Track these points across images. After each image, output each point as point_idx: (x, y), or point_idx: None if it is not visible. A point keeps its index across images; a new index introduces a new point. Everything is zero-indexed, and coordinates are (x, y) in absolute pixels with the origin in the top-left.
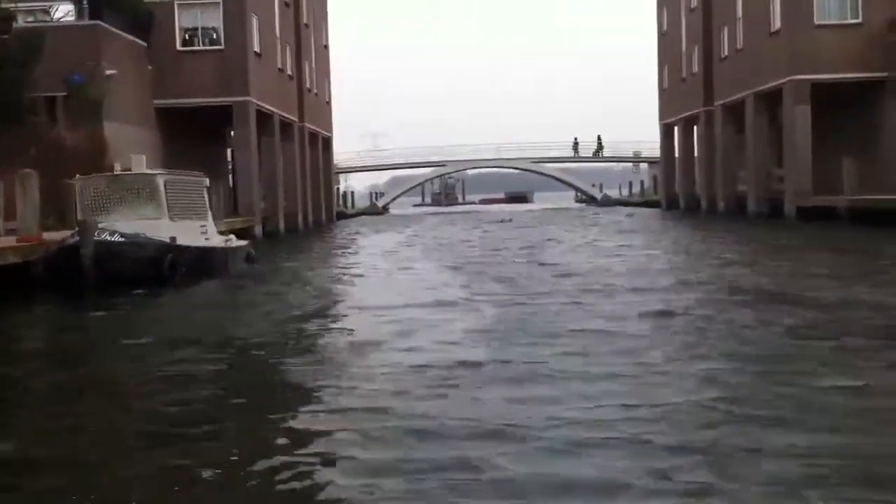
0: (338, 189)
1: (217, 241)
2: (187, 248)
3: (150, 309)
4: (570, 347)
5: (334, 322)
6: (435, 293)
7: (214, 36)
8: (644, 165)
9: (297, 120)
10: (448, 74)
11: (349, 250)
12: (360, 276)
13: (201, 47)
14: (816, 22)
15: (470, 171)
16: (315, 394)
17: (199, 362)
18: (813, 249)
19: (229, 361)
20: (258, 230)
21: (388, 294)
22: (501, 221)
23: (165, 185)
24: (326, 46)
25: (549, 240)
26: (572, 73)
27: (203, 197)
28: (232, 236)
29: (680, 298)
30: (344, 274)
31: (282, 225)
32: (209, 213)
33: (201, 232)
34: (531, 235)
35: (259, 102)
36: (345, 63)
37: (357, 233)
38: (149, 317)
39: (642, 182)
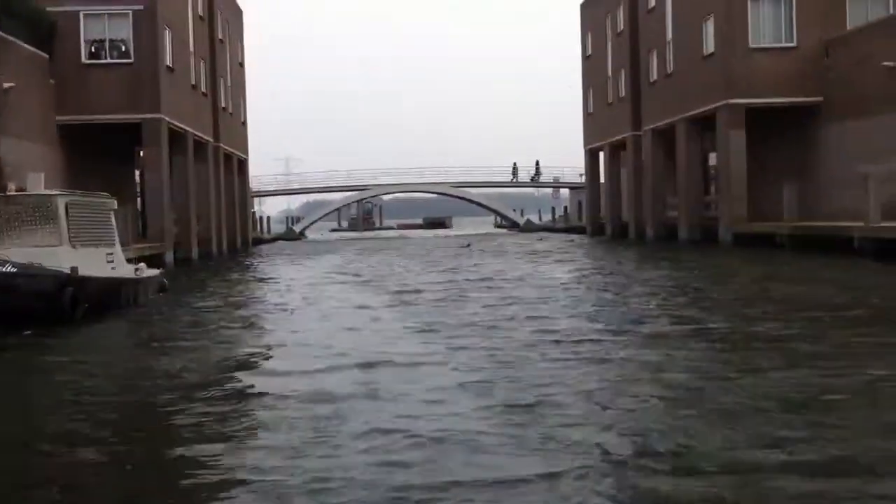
0: (253, 213)
1: (125, 270)
2: (90, 279)
3: (40, 354)
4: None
5: (251, 382)
6: (371, 342)
7: (123, 48)
8: (564, 191)
9: (211, 140)
10: (366, 97)
11: (269, 281)
12: (283, 312)
13: (109, 60)
14: (751, 45)
15: (386, 196)
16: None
17: (74, 434)
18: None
19: (117, 433)
20: (169, 257)
21: (314, 342)
22: (467, 246)
23: (66, 208)
24: (242, 64)
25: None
26: (492, 97)
27: (110, 221)
28: (142, 265)
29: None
30: (265, 312)
31: (195, 251)
32: (116, 239)
33: (107, 261)
34: (482, 263)
35: (171, 120)
36: (259, 83)
37: (275, 260)
38: (36, 365)
39: (565, 208)
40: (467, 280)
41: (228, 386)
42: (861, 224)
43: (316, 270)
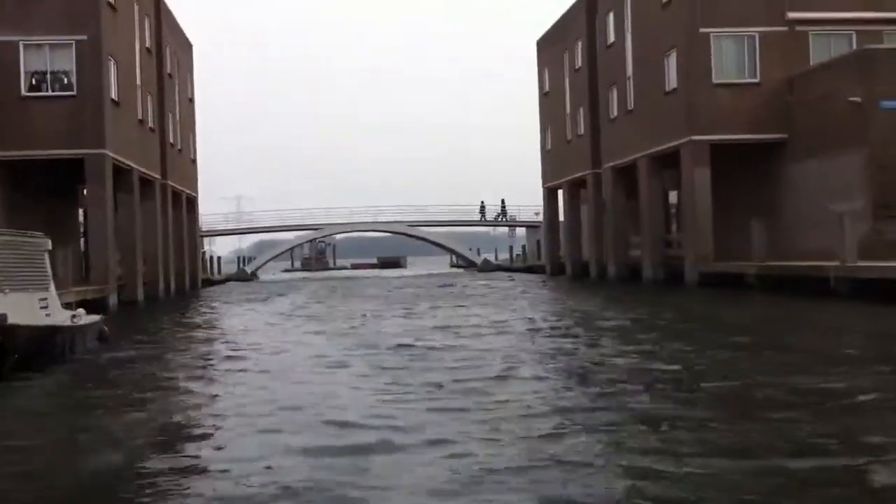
0: (203, 254)
1: (61, 317)
2: (20, 327)
3: None
4: None
5: (195, 454)
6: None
7: (66, 80)
8: (521, 230)
9: (159, 177)
10: (318, 136)
11: (218, 327)
12: (231, 365)
13: (50, 93)
14: (714, 80)
15: (340, 236)
16: None
17: None
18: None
19: None
20: (113, 300)
21: (267, 402)
22: (443, 286)
23: None
24: (192, 100)
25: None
26: (448, 137)
27: (43, 263)
28: (80, 311)
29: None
30: (212, 365)
31: (140, 293)
32: (51, 282)
33: (40, 307)
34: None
35: (116, 156)
36: (210, 119)
37: (226, 302)
38: None
39: (524, 247)
40: (432, 328)
41: (168, 460)
42: (836, 263)
43: (267, 315)
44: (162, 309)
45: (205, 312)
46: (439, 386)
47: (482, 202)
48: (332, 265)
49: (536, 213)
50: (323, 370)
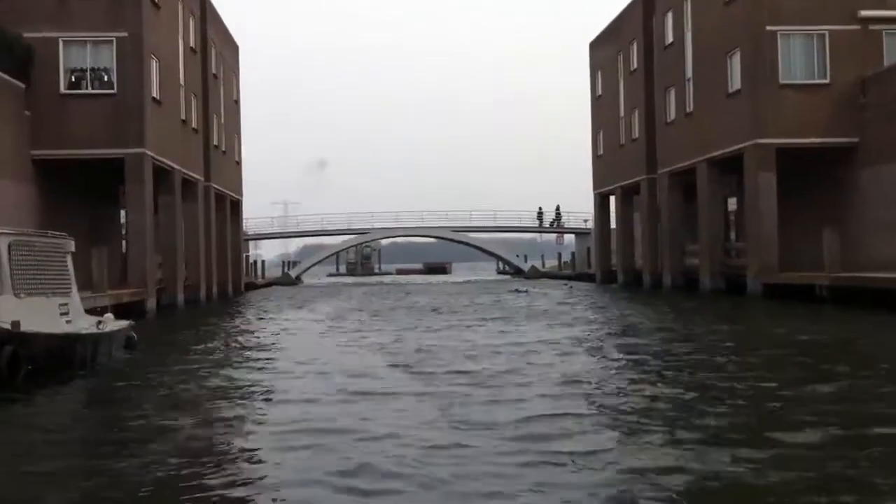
0: (247, 257)
1: (83, 323)
2: (36, 335)
3: None
4: None
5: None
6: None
7: (106, 78)
8: (570, 237)
9: (202, 179)
10: (368, 140)
11: (257, 335)
12: (268, 380)
13: (90, 91)
14: (781, 81)
15: (385, 241)
16: None
17: None
18: None
19: None
20: (151, 304)
21: (306, 432)
22: (516, 291)
23: (9, 249)
24: (237, 101)
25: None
26: (495, 140)
27: (65, 266)
28: (108, 316)
29: None
30: (248, 381)
31: (181, 297)
32: (74, 286)
33: (60, 313)
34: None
35: (157, 156)
36: (256, 121)
37: (267, 309)
38: None
39: (573, 254)
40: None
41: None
42: None
43: (310, 323)
44: (201, 314)
45: (243, 318)
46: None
47: (539, 208)
48: (377, 270)
49: (585, 220)
50: (362, 391)
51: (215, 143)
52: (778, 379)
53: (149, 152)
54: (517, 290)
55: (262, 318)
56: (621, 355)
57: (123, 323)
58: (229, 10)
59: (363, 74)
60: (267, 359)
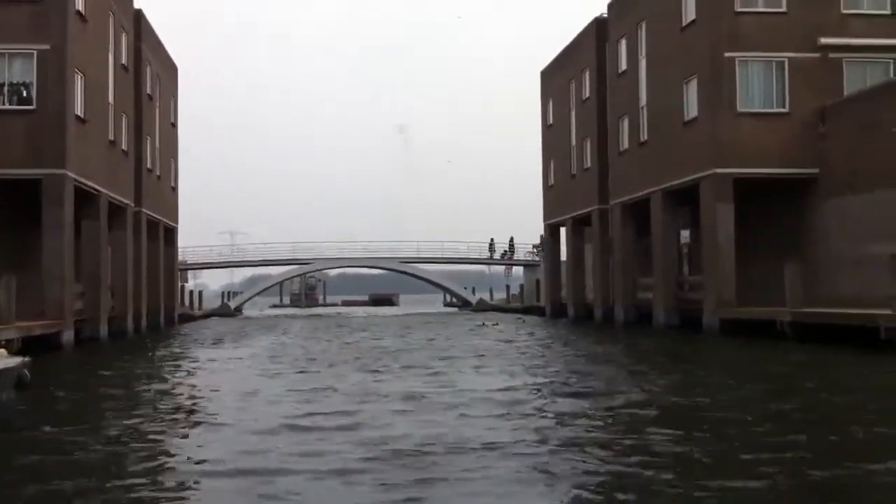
0: (183, 287)
1: None
2: None
3: None
4: None
5: None
6: None
7: (25, 94)
8: (518, 269)
9: (131, 203)
10: (310, 171)
11: (176, 373)
12: (174, 429)
13: (7, 106)
14: (739, 109)
15: (333, 272)
16: None
17: None
18: None
19: None
20: (68, 336)
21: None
22: (482, 325)
23: None
24: (174, 125)
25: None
26: (443, 172)
27: None
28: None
29: None
30: (149, 430)
31: (104, 329)
32: None
33: None
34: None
35: (79, 178)
36: (201, 151)
37: (198, 341)
38: None
39: (521, 286)
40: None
41: None
42: (888, 312)
43: (240, 362)
44: (122, 348)
45: (167, 352)
46: None
47: (491, 239)
48: (322, 301)
49: (534, 251)
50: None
51: (148, 166)
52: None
53: (70, 173)
54: (480, 325)
55: (189, 352)
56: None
57: (15, 360)
58: (177, 30)
59: (316, 103)
60: (172, 410)
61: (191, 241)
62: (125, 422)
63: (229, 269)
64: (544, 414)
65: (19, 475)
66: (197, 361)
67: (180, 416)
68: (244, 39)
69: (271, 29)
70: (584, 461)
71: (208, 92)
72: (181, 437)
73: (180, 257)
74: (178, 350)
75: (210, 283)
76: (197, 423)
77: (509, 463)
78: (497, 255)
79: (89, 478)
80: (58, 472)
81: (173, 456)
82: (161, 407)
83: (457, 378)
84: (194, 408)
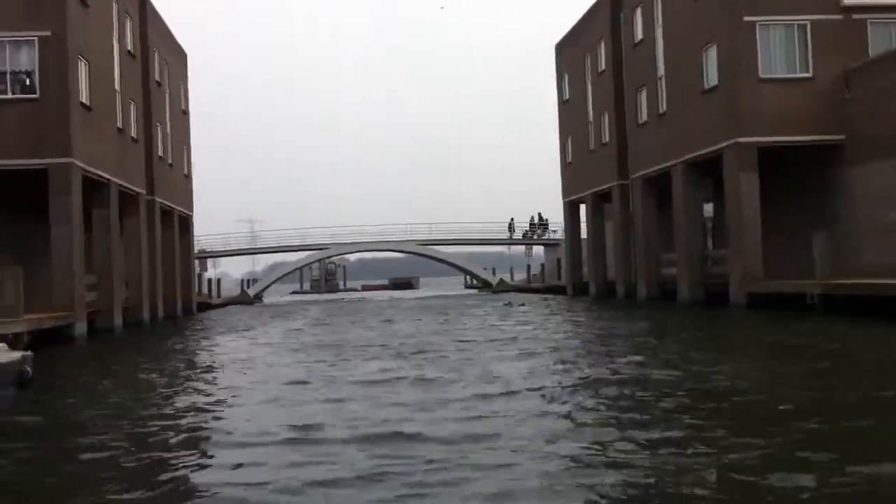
0: (200, 276)
1: None
2: None
3: None
4: None
5: None
6: None
7: (27, 82)
8: (538, 248)
9: (144, 192)
10: (330, 151)
11: (193, 367)
12: (181, 429)
13: (9, 95)
14: (761, 75)
15: (353, 256)
16: None
17: None
18: None
19: None
20: (81, 328)
21: None
22: (508, 304)
23: None
24: (186, 112)
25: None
26: (462, 153)
27: None
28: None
29: None
30: (157, 436)
31: (119, 320)
32: None
33: None
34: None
35: (86, 166)
36: (220, 138)
37: (216, 331)
38: None
39: (542, 265)
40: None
41: None
42: None
43: (259, 349)
44: (139, 339)
45: (184, 343)
46: None
47: (511, 219)
48: (342, 287)
49: (554, 231)
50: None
51: (160, 154)
52: None
53: (77, 162)
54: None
55: (205, 341)
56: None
57: (15, 355)
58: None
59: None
60: (180, 412)
61: (211, 229)
62: (118, 430)
63: (250, 257)
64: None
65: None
66: (210, 351)
67: (184, 422)
68: (259, 32)
69: (288, 20)
70: None
71: (226, 80)
72: (178, 451)
73: (199, 246)
74: (191, 341)
75: (232, 271)
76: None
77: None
78: (517, 235)
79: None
80: (31, 483)
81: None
82: (163, 413)
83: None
84: (201, 414)
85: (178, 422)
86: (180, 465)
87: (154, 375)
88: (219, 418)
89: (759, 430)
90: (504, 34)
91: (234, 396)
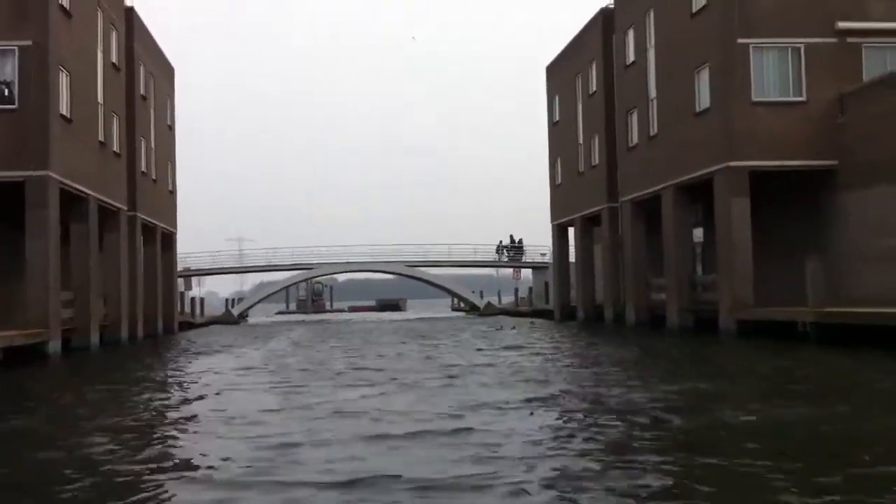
0: (183, 294)
1: None
2: None
3: None
4: None
5: None
6: None
7: (6, 92)
8: (526, 271)
9: (125, 207)
10: (316, 172)
11: (160, 387)
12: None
13: None
14: (754, 98)
15: (341, 277)
16: None
17: None
18: None
19: None
20: (55, 346)
21: None
22: (500, 328)
23: None
24: (171, 127)
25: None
26: (449, 174)
27: None
28: None
29: None
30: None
31: (95, 338)
32: None
33: None
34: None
35: (65, 179)
36: (208, 157)
37: (193, 350)
38: None
39: (530, 289)
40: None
41: None
42: None
43: (230, 374)
44: (113, 359)
45: (158, 363)
46: None
47: (500, 241)
48: (329, 307)
49: (543, 254)
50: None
51: (143, 169)
52: None
53: (54, 175)
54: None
55: (180, 361)
56: None
57: None
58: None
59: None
60: (136, 438)
61: (202, 248)
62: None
63: (239, 276)
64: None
65: None
66: (183, 373)
67: (140, 448)
68: (248, 46)
69: (280, 39)
70: None
71: (219, 100)
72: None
73: (185, 264)
74: (173, 358)
75: (220, 290)
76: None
77: None
78: (506, 258)
79: None
80: None
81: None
82: (115, 437)
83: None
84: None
85: (131, 449)
86: (127, 498)
87: (113, 394)
88: (174, 446)
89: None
90: (503, 52)
91: (195, 422)
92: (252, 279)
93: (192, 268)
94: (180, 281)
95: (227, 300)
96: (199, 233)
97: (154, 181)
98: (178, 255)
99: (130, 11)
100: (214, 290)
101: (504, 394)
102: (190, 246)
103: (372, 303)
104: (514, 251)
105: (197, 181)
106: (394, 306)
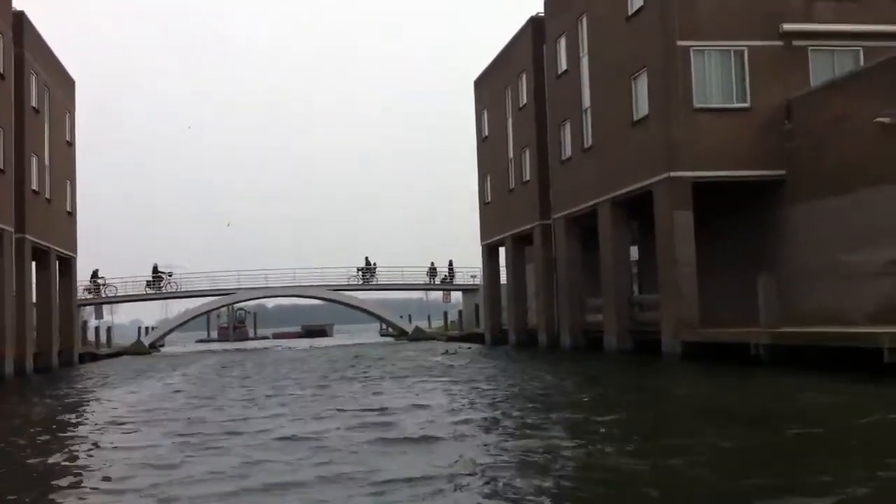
0: (84, 323)
1: None
2: None
3: None
4: None
5: None
6: None
7: None
8: (457, 294)
9: (11, 229)
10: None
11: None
12: None
13: None
14: (696, 105)
15: (269, 303)
16: None
17: None
18: None
19: None
20: None
21: None
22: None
23: None
24: (70, 143)
25: None
26: (374, 194)
27: None
28: None
29: None
30: None
31: None
32: None
33: None
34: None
35: None
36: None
37: (84, 386)
38: None
39: (459, 312)
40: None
41: None
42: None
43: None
44: None
45: (43, 407)
46: None
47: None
48: (251, 335)
49: (473, 276)
50: None
51: (34, 188)
52: None
53: None
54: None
55: (63, 401)
56: None
57: None
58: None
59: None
60: None
61: (117, 273)
62: None
63: (164, 304)
64: None
65: None
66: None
67: None
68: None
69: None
70: None
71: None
72: None
73: (107, 291)
74: (57, 396)
75: (146, 319)
76: None
77: None
78: (438, 281)
79: None
80: None
81: None
82: None
83: None
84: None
85: None
86: None
87: None
88: None
89: None
90: (435, 65)
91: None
92: (177, 307)
93: (107, 294)
94: (89, 309)
95: (139, 328)
96: (121, 261)
97: (48, 201)
98: (98, 282)
99: (20, 16)
100: (139, 319)
101: None
102: (109, 273)
103: (298, 329)
104: (433, 276)
105: (120, 206)
106: (320, 332)
